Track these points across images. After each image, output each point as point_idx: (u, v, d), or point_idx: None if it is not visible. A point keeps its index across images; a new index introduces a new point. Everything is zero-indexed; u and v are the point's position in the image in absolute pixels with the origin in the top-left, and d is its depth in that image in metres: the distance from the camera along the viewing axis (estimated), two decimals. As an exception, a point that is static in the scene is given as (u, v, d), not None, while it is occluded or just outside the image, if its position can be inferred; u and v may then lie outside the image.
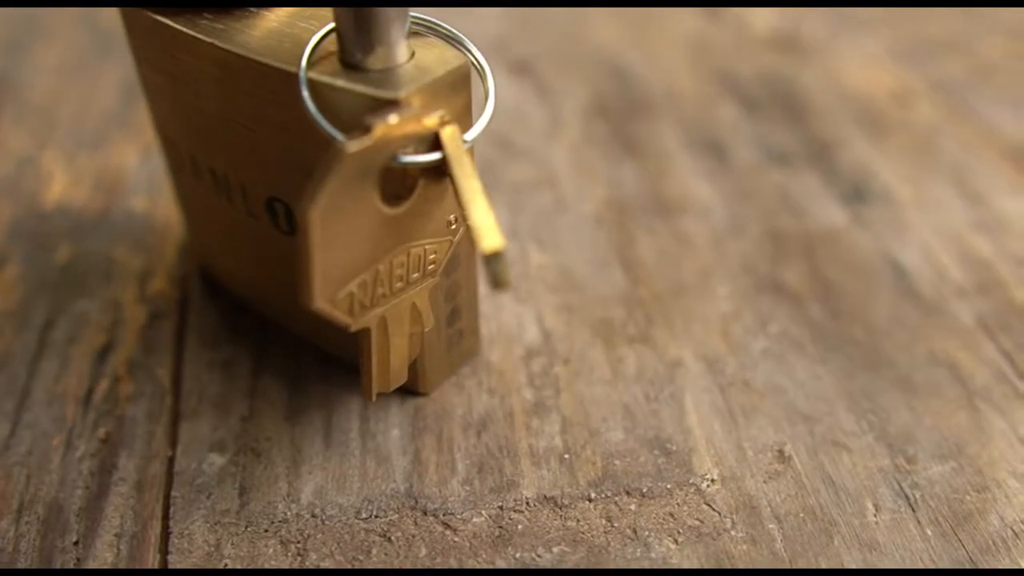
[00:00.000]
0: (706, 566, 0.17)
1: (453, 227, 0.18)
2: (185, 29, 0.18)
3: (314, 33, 0.17)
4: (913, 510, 0.18)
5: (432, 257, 0.18)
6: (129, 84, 0.32)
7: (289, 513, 0.18)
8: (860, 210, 0.26)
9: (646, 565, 0.17)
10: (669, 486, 0.18)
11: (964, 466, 0.19)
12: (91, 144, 0.29)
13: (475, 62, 0.17)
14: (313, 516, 0.18)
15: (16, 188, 0.27)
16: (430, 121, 0.16)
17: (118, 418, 0.20)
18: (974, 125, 0.30)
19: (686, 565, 0.17)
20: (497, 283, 0.14)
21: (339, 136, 0.15)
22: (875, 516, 0.18)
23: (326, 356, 0.21)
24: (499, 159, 0.28)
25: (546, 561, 0.17)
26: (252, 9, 0.18)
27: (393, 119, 0.15)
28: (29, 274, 0.24)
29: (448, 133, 0.16)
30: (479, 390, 0.20)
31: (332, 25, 0.17)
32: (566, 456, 0.19)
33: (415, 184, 0.16)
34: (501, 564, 0.17)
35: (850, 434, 0.19)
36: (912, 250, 0.24)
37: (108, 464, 0.19)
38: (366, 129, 0.15)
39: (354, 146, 0.14)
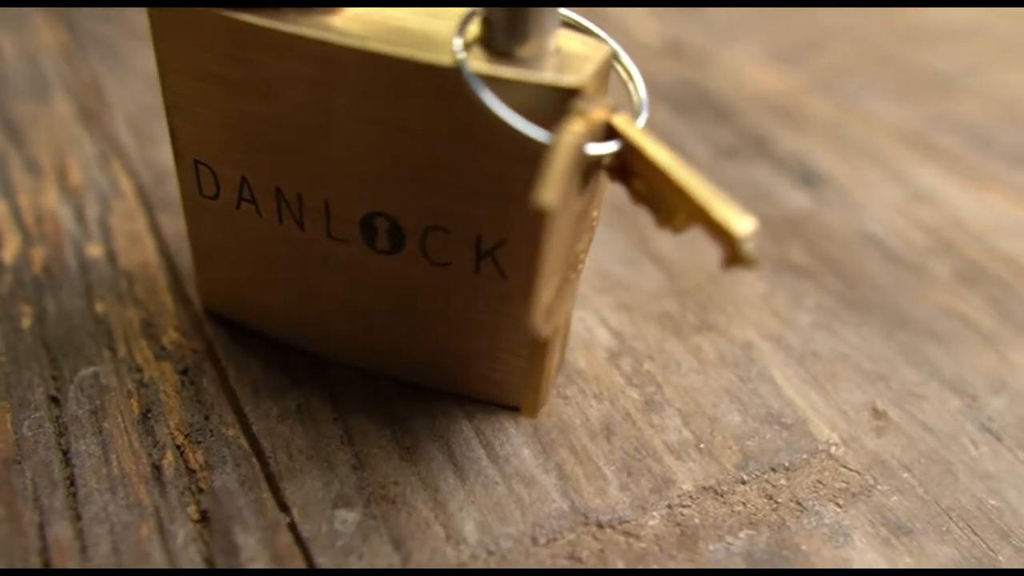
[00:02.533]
0: (875, 522, 0.17)
1: (595, 221, 0.17)
2: (273, 25, 0.16)
3: (427, 22, 0.16)
4: (999, 439, 0.20)
5: (582, 256, 0.17)
6: (11, 118, 0.27)
7: (463, 555, 0.16)
8: (815, 193, 0.28)
9: (825, 532, 0.17)
10: (804, 456, 0.19)
11: (1015, 396, 0.21)
12: (4, 192, 0.24)
13: (614, 50, 0.16)
14: (490, 553, 0.16)
15: (-80, 247, 0.22)
16: (608, 109, 0.15)
17: (207, 491, 0.17)
18: (862, 115, 0.34)
19: (858, 524, 0.17)
20: (751, 263, 0.14)
21: (534, 131, 0.14)
22: (976, 450, 0.19)
23: (398, 382, 0.19)
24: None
25: (738, 548, 0.17)
26: (332, 7, 0.16)
27: (592, 107, 0.14)
28: (2, 348, 0.19)
29: (621, 121, 0.15)
30: (585, 397, 0.20)
31: (469, 12, 0.15)
32: (701, 445, 0.19)
33: (588, 178, 0.15)
34: (699, 560, 0.16)
35: (918, 384, 0.21)
36: (874, 223, 0.27)
37: (225, 545, 0.16)
38: (575, 115, 0.14)
39: (575, 137, 0.13)
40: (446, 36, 0.16)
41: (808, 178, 0.29)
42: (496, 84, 0.15)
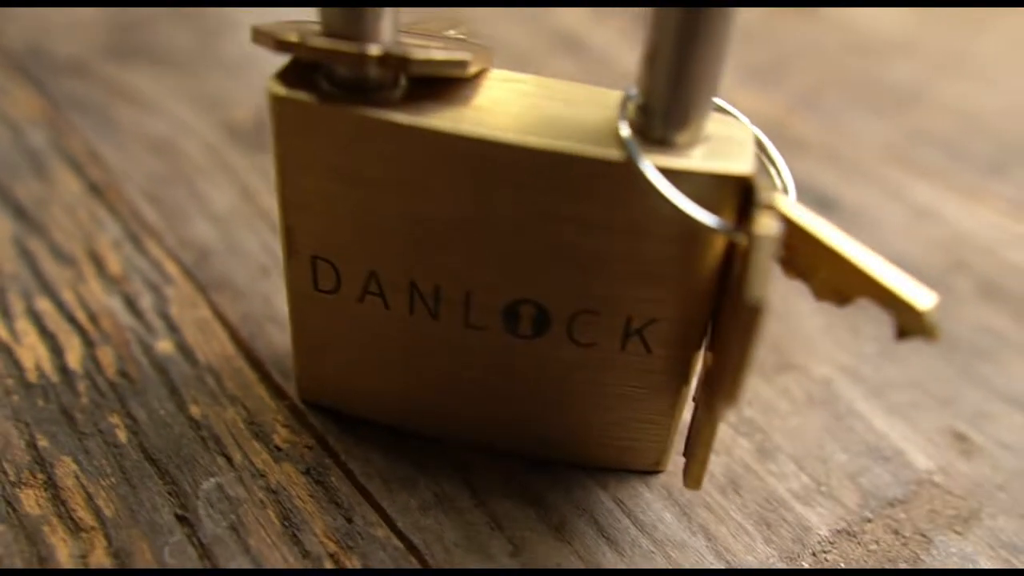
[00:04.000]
0: (994, 545, 0.19)
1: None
2: (422, 123, 0.15)
3: (590, 119, 0.16)
4: (1067, 449, 0.22)
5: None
6: (18, 201, 0.25)
7: (649, 633, 0.16)
8: (834, 218, 0.30)
9: (956, 561, 0.18)
10: (913, 487, 0.20)
11: (1066, 405, 0.23)
12: (42, 287, 0.22)
13: (756, 134, 0.17)
14: (673, 627, 0.16)
15: (-26, 361, 0.20)
16: (769, 192, 0.16)
17: (379, 600, 0.16)
18: (847, 134, 0.36)
19: (980, 549, 0.19)
20: (934, 335, 0.14)
21: (712, 220, 0.15)
22: (1051, 462, 0.21)
23: (524, 457, 0.19)
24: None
25: (889, 588, 0.18)
26: (467, 94, 0.16)
27: (771, 195, 0.15)
28: (100, 469, 0.18)
29: (781, 204, 0.16)
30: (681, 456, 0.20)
31: (625, 98, 0.16)
32: (823, 488, 0.20)
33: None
34: (859, 606, 0.17)
35: (983, 403, 0.23)
36: (892, 244, 0.29)
37: (420, 656, 0.15)
38: (763, 209, 0.14)
39: (772, 232, 0.14)
40: (599, 124, 0.16)
41: (826, 203, 0.31)
42: (667, 175, 0.15)
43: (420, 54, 0.15)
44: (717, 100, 0.17)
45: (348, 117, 0.16)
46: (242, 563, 0.17)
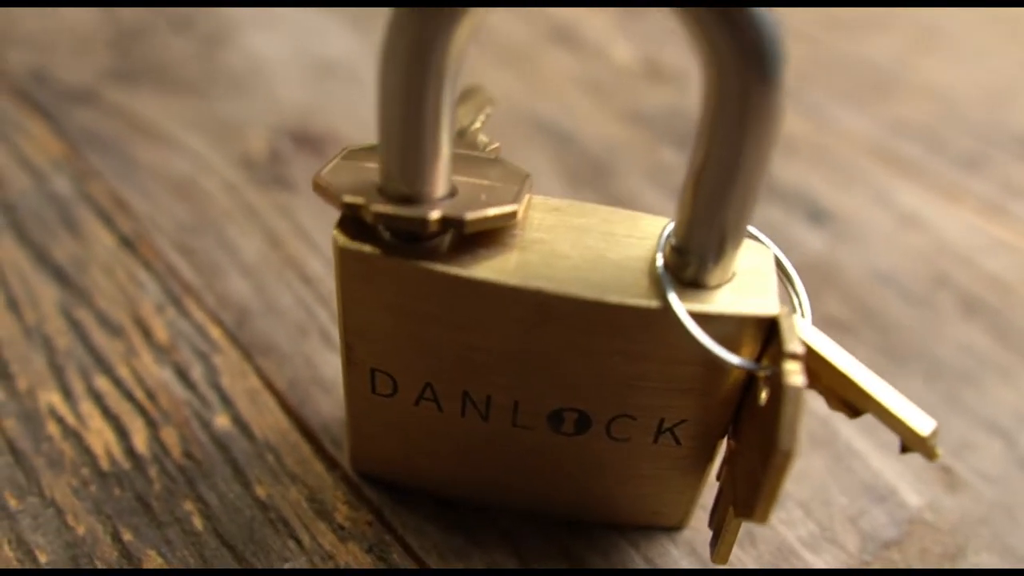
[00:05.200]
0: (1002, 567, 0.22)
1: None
2: (477, 276, 0.17)
3: (628, 260, 0.17)
4: (1039, 477, 0.24)
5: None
6: (56, 263, 0.26)
7: None
8: (825, 232, 0.31)
9: (942, 599, 0.21)
10: (906, 527, 0.23)
11: (1039, 429, 0.25)
12: (97, 363, 0.24)
13: (776, 254, 0.18)
14: None
15: (35, 453, 0.22)
16: (787, 318, 0.17)
17: (451, 676, 0.19)
18: (832, 129, 0.37)
19: (963, 586, 0.21)
20: (934, 456, 0.17)
21: (735, 359, 0.16)
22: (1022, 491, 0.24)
23: (562, 520, 0.22)
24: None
25: (885, 631, 0.20)
26: (512, 233, 0.18)
27: (795, 340, 0.16)
28: (183, 560, 0.20)
29: (801, 330, 0.17)
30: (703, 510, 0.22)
31: (660, 240, 0.17)
32: (827, 534, 0.22)
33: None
34: (860, 650, 0.20)
35: (966, 431, 0.25)
36: (880, 257, 0.31)
37: None
38: (790, 359, 0.16)
39: (801, 383, 0.16)
40: (638, 264, 0.17)
41: (816, 215, 0.32)
42: (700, 318, 0.17)
43: (473, 214, 0.16)
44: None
45: (404, 268, 0.17)
46: (327, 647, 0.19)
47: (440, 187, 0.17)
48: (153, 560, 0.20)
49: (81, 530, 0.20)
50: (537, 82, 0.38)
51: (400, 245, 0.17)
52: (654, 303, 0.17)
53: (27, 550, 0.20)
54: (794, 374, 0.16)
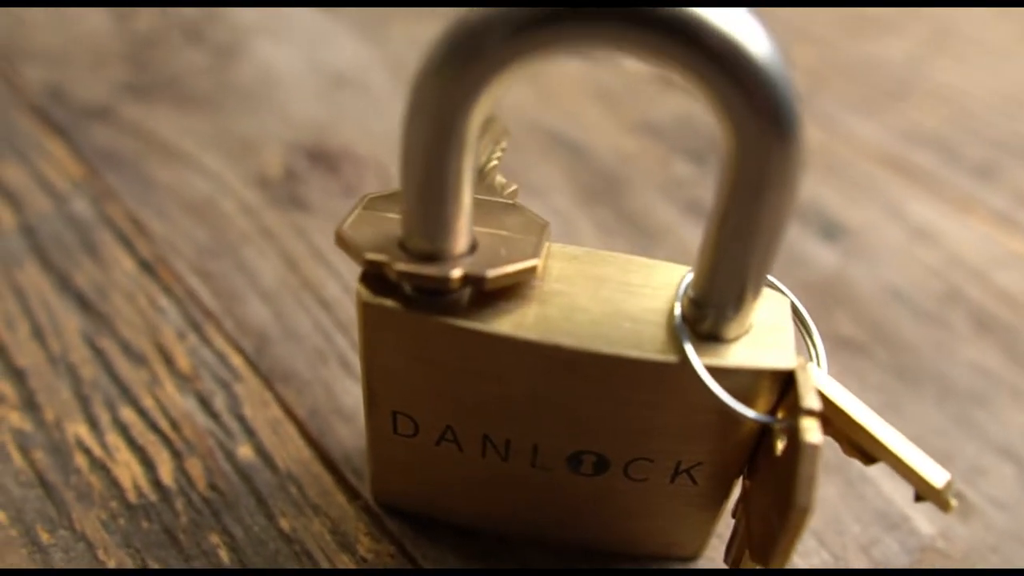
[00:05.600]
0: (984, 610, 0.22)
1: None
2: (495, 330, 0.17)
3: (647, 313, 0.17)
4: (1049, 501, 0.25)
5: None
6: (78, 288, 0.27)
7: None
8: (838, 247, 0.32)
9: (952, 629, 0.22)
10: (918, 555, 0.23)
11: (1050, 452, 0.26)
12: (122, 393, 0.24)
13: (792, 302, 0.19)
14: None
15: (65, 486, 0.22)
16: (804, 371, 0.17)
17: None
18: (844, 137, 0.37)
19: (973, 615, 0.22)
20: (948, 508, 0.17)
21: (750, 413, 0.17)
22: (1035, 517, 0.24)
23: (576, 549, 0.22)
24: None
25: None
26: (532, 285, 0.18)
27: (813, 395, 0.17)
28: (215, 590, 0.21)
29: (815, 377, 0.18)
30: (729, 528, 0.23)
31: (679, 292, 0.17)
32: (839, 563, 0.23)
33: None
34: None
35: (977, 455, 0.25)
36: (892, 272, 0.31)
37: None
38: (808, 417, 0.16)
39: (817, 440, 0.16)
40: (655, 316, 0.17)
41: (829, 230, 0.32)
42: (717, 372, 0.17)
43: (494, 272, 0.17)
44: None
45: (426, 322, 0.17)
46: None
47: (461, 243, 0.17)
48: (182, 594, 0.21)
49: (112, 563, 0.21)
50: (546, 90, 0.38)
51: (422, 299, 0.17)
52: (672, 357, 0.17)
53: (60, 585, 0.20)
54: (811, 431, 0.16)
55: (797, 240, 0.32)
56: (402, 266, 0.16)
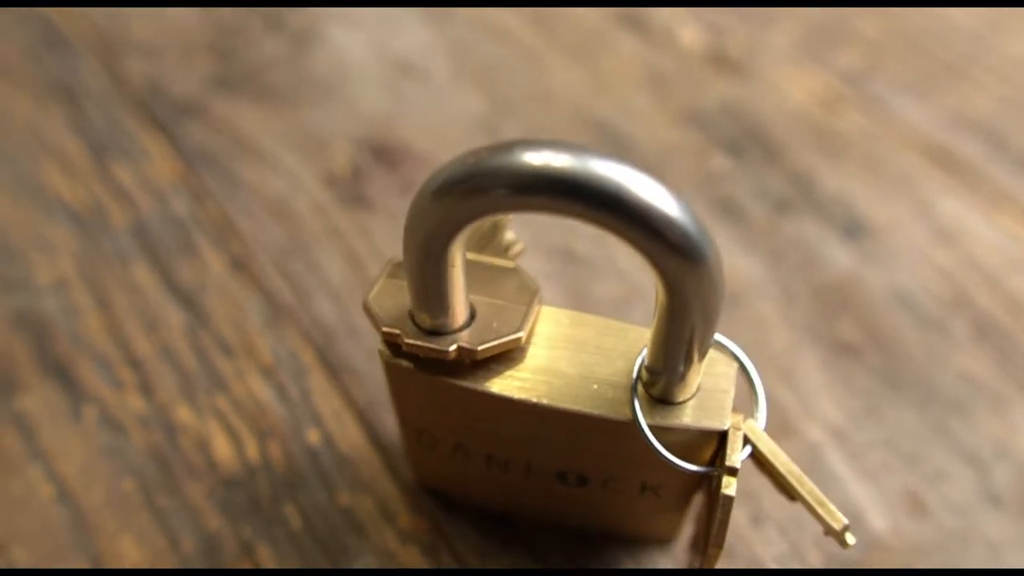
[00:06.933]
0: (919, 601, 0.26)
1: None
2: (484, 388, 0.21)
3: (613, 377, 0.21)
4: (1000, 507, 0.28)
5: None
6: (177, 282, 0.32)
7: None
8: (857, 247, 0.34)
9: (887, 616, 0.26)
10: (866, 551, 0.27)
11: (1015, 463, 0.28)
12: (218, 384, 0.30)
13: (740, 362, 0.22)
14: (673, 675, 0.25)
15: (175, 459, 0.28)
16: (740, 426, 0.21)
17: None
18: (889, 123, 0.38)
19: (908, 606, 0.26)
20: (845, 546, 0.21)
21: (688, 466, 0.21)
22: (984, 520, 0.27)
23: (574, 530, 0.27)
24: (579, 275, 0.33)
25: (831, 641, 0.25)
26: (521, 348, 0.22)
27: (737, 456, 0.20)
28: (285, 556, 0.27)
29: (752, 432, 0.21)
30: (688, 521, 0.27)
31: (636, 376, 0.21)
32: (796, 554, 0.27)
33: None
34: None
35: (946, 462, 0.28)
36: (906, 275, 0.33)
37: None
38: (729, 472, 0.20)
39: (732, 496, 0.20)
40: (620, 378, 0.21)
41: (851, 229, 0.34)
42: (662, 431, 0.21)
43: (484, 347, 0.21)
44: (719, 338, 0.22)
45: (433, 380, 0.22)
46: (388, 629, 0.25)
47: (459, 318, 0.21)
48: (265, 553, 0.27)
49: (212, 527, 0.27)
50: (600, 75, 0.40)
51: (429, 362, 0.22)
52: (625, 416, 0.21)
53: (175, 541, 0.27)
54: (729, 486, 0.20)
55: (817, 240, 0.34)
56: (410, 341, 0.21)
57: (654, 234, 0.17)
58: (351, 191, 0.36)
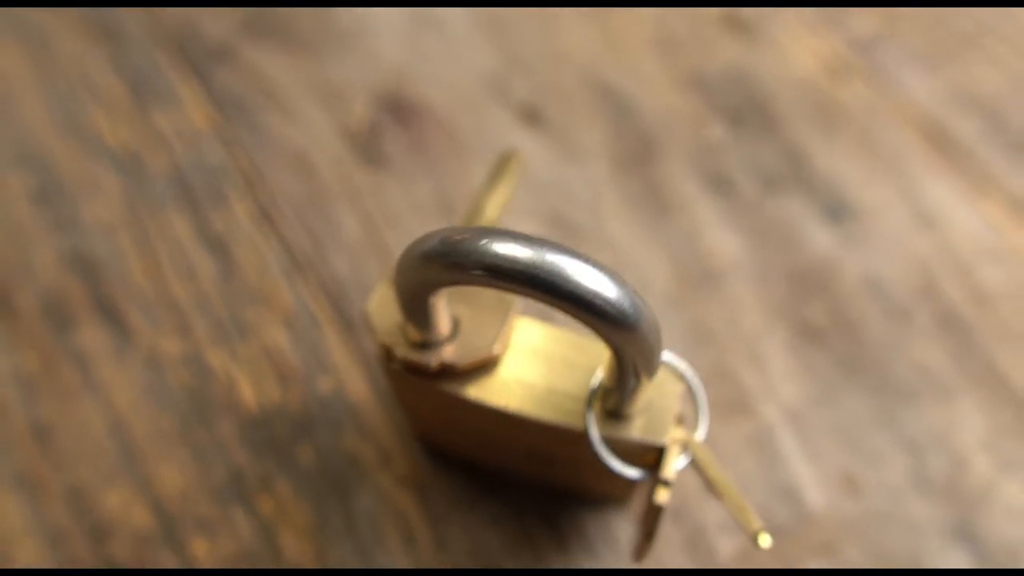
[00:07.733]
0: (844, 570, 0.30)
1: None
2: (464, 392, 0.25)
3: (574, 390, 0.25)
4: (930, 494, 0.31)
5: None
6: (225, 236, 0.36)
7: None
8: (839, 230, 0.36)
9: (807, 579, 0.30)
10: (799, 523, 0.31)
11: (950, 453, 0.32)
12: (244, 331, 0.34)
13: (686, 380, 0.25)
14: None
15: (208, 399, 0.33)
16: (680, 437, 0.25)
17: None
18: (893, 96, 0.39)
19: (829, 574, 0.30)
20: (758, 548, 0.24)
21: (632, 472, 0.24)
22: (912, 505, 0.31)
23: (546, 488, 0.31)
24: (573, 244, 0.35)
25: (755, 597, 0.30)
26: (499, 358, 0.25)
27: (673, 471, 0.24)
28: (299, 491, 0.31)
29: (691, 443, 0.25)
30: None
31: (592, 392, 0.24)
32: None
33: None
34: (732, 607, 0.30)
35: (886, 447, 0.32)
36: (881, 261, 0.35)
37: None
38: (663, 488, 0.24)
39: (664, 504, 0.24)
40: (580, 392, 0.25)
41: (835, 210, 0.36)
42: (612, 442, 0.24)
43: (463, 362, 0.24)
44: (669, 357, 0.25)
45: (421, 382, 0.25)
46: (381, 555, 0.30)
47: (443, 331, 0.24)
48: (283, 485, 0.31)
49: (239, 460, 0.32)
50: (611, 34, 0.41)
51: (418, 368, 0.25)
52: (579, 426, 0.24)
53: (207, 471, 0.32)
54: (661, 495, 0.24)
55: (799, 221, 0.36)
56: (400, 352, 0.24)
57: (598, 314, 0.20)
58: (367, 148, 0.38)
